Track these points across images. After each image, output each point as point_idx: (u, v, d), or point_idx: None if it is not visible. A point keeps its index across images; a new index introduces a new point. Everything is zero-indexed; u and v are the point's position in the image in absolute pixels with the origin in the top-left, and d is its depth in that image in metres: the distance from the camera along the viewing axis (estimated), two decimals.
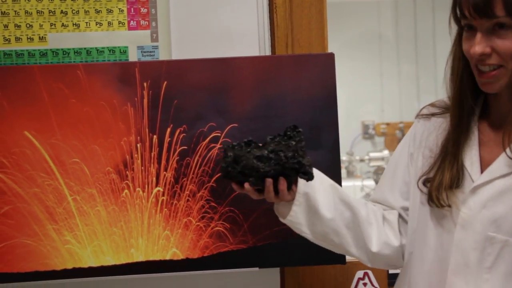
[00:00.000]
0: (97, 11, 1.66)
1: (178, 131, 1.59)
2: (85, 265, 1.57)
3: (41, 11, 1.65)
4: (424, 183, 1.24)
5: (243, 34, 1.67)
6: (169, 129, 1.59)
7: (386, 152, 4.77)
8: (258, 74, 1.60)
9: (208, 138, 1.60)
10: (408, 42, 5.68)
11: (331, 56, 1.62)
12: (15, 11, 1.65)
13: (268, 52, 1.69)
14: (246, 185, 1.23)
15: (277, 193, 1.24)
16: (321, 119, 1.60)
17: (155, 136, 1.59)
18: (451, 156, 1.21)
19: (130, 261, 1.58)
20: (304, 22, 1.72)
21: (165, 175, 1.59)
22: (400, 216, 1.35)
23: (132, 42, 1.66)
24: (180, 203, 1.60)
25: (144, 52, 1.66)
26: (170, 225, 1.59)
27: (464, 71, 1.18)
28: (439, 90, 5.74)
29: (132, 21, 1.66)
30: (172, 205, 1.59)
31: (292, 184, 1.25)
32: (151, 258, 1.59)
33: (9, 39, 1.65)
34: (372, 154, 4.79)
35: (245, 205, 1.59)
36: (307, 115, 1.60)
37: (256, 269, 1.62)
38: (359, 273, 1.75)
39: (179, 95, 1.59)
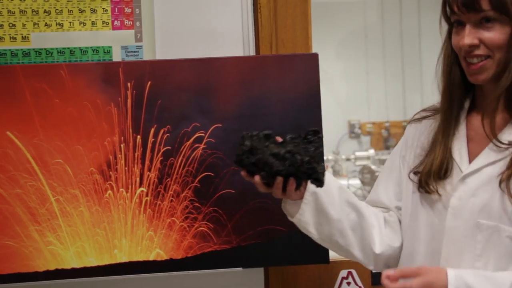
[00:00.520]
0: (81, 11, 1.65)
1: (162, 131, 1.59)
2: (68, 266, 1.57)
3: (24, 11, 1.64)
4: (415, 173, 1.30)
5: (228, 34, 1.67)
6: (153, 129, 1.59)
7: (372, 151, 4.79)
8: (242, 74, 1.60)
9: (192, 138, 1.60)
10: (394, 41, 5.71)
11: (315, 57, 1.62)
12: None
13: (252, 52, 1.69)
14: (257, 177, 1.24)
15: (284, 190, 1.26)
16: (305, 119, 1.61)
17: (138, 137, 1.58)
18: (440, 145, 1.27)
19: (113, 262, 1.58)
20: (289, 22, 1.72)
21: (148, 175, 1.59)
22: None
23: (116, 42, 1.66)
24: (164, 204, 1.59)
25: (128, 52, 1.66)
26: (154, 226, 1.59)
27: (453, 66, 1.26)
28: (424, 89, 5.77)
29: (116, 21, 1.66)
30: (155, 205, 1.59)
31: (301, 185, 1.26)
32: (134, 259, 1.59)
33: None
34: (358, 153, 4.81)
35: (229, 206, 1.59)
36: (291, 115, 1.60)
37: (240, 269, 1.63)
38: (343, 272, 1.75)
39: (163, 95, 1.59)
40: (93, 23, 1.65)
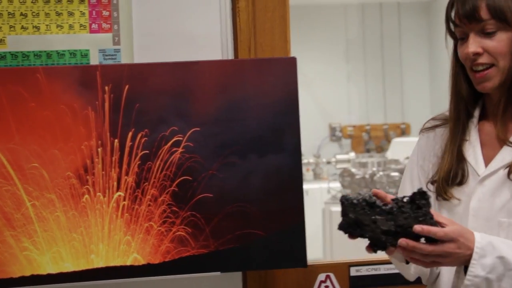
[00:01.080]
0: (58, 14, 1.64)
1: (139, 135, 1.58)
2: (44, 272, 1.55)
3: (0, 13, 1.62)
4: (432, 183, 1.34)
5: (206, 38, 1.67)
6: (130, 133, 1.58)
7: (352, 154, 4.81)
8: (220, 78, 1.60)
9: (170, 142, 1.59)
10: (375, 45, 5.75)
11: (293, 60, 1.63)
12: None
13: (230, 56, 1.69)
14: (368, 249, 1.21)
15: None
16: (283, 123, 1.61)
17: (116, 140, 1.58)
18: (449, 153, 1.32)
19: (90, 267, 1.57)
20: (267, 26, 1.72)
21: (126, 179, 1.58)
22: None
23: (93, 45, 1.65)
24: (142, 208, 1.58)
25: (106, 55, 1.65)
26: (131, 230, 1.58)
27: (458, 77, 1.32)
28: (405, 92, 5.82)
29: (93, 24, 1.65)
30: (133, 210, 1.58)
31: None
32: (111, 264, 1.58)
33: None
34: (339, 156, 4.83)
35: (207, 210, 1.59)
36: (269, 118, 1.61)
37: (218, 273, 1.62)
38: (321, 276, 1.76)
39: (141, 99, 1.58)
40: (70, 26, 1.64)
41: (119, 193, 1.58)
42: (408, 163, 1.46)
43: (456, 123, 1.33)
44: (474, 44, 1.24)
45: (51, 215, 1.55)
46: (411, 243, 1.13)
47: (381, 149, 5.55)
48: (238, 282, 1.72)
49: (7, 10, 1.62)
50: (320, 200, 4.54)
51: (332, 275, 1.76)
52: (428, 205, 1.14)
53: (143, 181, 1.58)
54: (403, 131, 5.74)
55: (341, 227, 1.19)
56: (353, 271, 1.78)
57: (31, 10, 1.63)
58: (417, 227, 1.12)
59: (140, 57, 1.64)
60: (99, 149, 1.57)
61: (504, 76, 1.25)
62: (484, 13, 1.23)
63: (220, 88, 1.59)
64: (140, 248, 1.59)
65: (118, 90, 1.57)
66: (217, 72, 1.59)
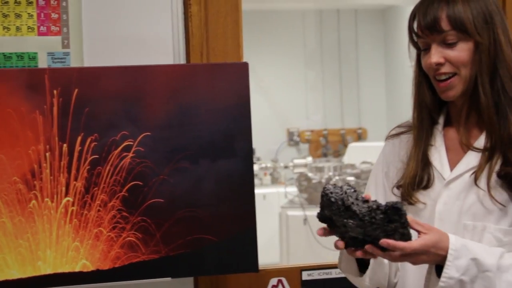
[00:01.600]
0: (5, 15, 1.60)
1: (89, 139, 1.56)
2: None
3: None
4: (397, 187, 1.37)
5: (158, 42, 1.66)
6: (79, 138, 1.56)
7: (309, 159, 4.84)
8: (172, 82, 1.59)
9: (121, 147, 1.57)
10: (332, 51, 5.81)
11: (245, 66, 1.63)
12: None
13: (182, 61, 1.68)
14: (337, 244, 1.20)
15: None
16: (235, 128, 1.61)
17: (65, 145, 1.55)
18: (414, 158, 1.34)
19: (37, 274, 1.54)
20: (220, 31, 1.72)
21: (75, 184, 1.56)
22: None
23: (42, 48, 1.62)
24: (91, 213, 1.56)
25: (55, 58, 1.62)
26: (80, 236, 1.56)
27: (421, 86, 1.36)
28: (361, 99, 5.89)
29: (42, 27, 1.62)
30: (82, 215, 1.56)
31: None
32: (59, 271, 1.55)
33: None
34: (296, 161, 4.85)
35: (158, 215, 1.58)
36: (221, 123, 1.60)
37: (169, 279, 1.61)
38: (273, 281, 1.76)
39: (91, 103, 1.56)
40: (17, 28, 1.61)
41: (67, 198, 1.55)
42: (373, 170, 1.49)
43: (420, 130, 1.36)
44: (436, 55, 1.27)
45: None
46: (380, 253, 1.16)
47: (338, 154, 5.61)
48: (190, 287, 1.71)
49: None
50: (278, 204, 4.56)
51: (284, 280, 1.77)
52: (400, 220, 1.15)
53: (93, 186, 1.56)
54: (360, 136, 5.81)
55: (318, 217, 1.22)
56: (305, 275, 1.79)
57: None
58: (383, 242, 1.14)
59: (90, 61, 1.62)
60: (47, 154, 1.54)
61: (466, 85, 1.29)
62: (445, 24, 1.26)
63: (172, 92, 1.59)
64: (89, 254, 1.56)
65: (67, 94, 1.55)
66: (168, 76, 1.59)
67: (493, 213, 1.27)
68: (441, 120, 1.37)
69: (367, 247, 1.16)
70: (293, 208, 4.18)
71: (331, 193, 1.18)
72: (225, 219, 1.60)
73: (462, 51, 1.27)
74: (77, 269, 1.56)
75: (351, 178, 4.05)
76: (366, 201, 1.18)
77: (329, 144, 5.77)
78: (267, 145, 5.49)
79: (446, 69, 1.28)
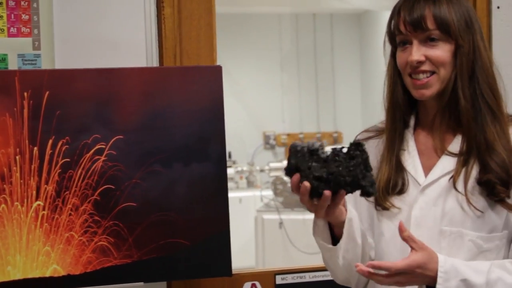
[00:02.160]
0: None
1: (60, 142, 1.54)
2: None
3: None
4: None
5: (130, 44, 1.64)
6: (51, 141, 1.54)
7: (285, 162, 4.85)
8: (145, 85, 1.57)
9: (92, 150, 1.56)
10: (308, 54, 5.83)
11: (218, 69, 1.63)
12: None
13: (155, 63, 1.67)
14: (306, 183, 1.18)
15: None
16: (209, 131, 1.60)
17: (35, 148, 1.53)
18: (387, 162, 1.34)
19: (6, 279, 1.51)
20: (193, 34, 1.72)
21: (46, 188, 1.53)
22: None
23: (12, 50, 1.59)
24: (62, 218, 1.54)
25: (25, 60, 1.60)
26: (51, 241, 1.54)
27: (396, 86, 1.34)
28: (337, 102, 5.92)
29: (12, 28, 1.59)
30: (53, 219, 1.54)
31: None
32: (29, 276, 1.52)
33: None
34: (272, 164, 4.86)
35: (130, 219, 1.56)
36: (195, 127, 1.60)
37: (141, 284, 1.59)
38: (247, 285, 1.76)
39: (62, 106, 1.54)
40: None
41: (38, 202, 1.53)
42: None
43: (393, 133, 1.35)
44: (418, 52, 1.27)
45: None
46: (365, 268, 1.16)
47: None
48: None
49: None
50: (254, 208, 4.55)
51: (258, 284, 1.76)
52: (362, 155, 1.18)
53: (64, 190, 1.54)
54: (336, 140, 5.84)
55: (285, 170, 1.22)
56: (279, 280, 1.79)
57: None
58: (369, 265, 1.15)
59: (62, 63, 1.60)
60: (17, 157, 1.52)
61: (443, 86, 1.29)
62: (430, 23, 1.27)
63: (145, 95, 1.57)
64: (60, 259, 1.54)
65: (38, 96, 1.52)
66: (141, 79, 1.57)
67: (471, 219, 1.27)
68: (411, 123, 1.37)
69: (358, 269, 1.16)
70: (268, 211, 4.18)
71: (297, 145, 1.20)
72: (198, 223, 1.59)
73: (443, 51, 1.28)
74: (47, 274, 1.53)
75: None
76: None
77: None
78: (243, 148, 5.49)
79: (426, 67, 1.28)
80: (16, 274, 1.52)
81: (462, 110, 1.28)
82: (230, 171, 4.95)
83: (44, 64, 1.60)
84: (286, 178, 4.28)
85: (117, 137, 1.56)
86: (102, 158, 1.56)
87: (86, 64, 1.59)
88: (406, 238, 1.19)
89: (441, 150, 1.32)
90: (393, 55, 1.35)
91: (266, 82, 5.70)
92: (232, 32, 5.47)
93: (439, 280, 1.19)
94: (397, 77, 1.34)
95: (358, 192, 1.31)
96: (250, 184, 5.10)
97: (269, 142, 5.78)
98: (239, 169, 5.09)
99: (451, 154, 1.31)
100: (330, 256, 1.32)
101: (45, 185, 1.53)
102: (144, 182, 1.57)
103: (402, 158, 1.34)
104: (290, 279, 1.80)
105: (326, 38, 5.82)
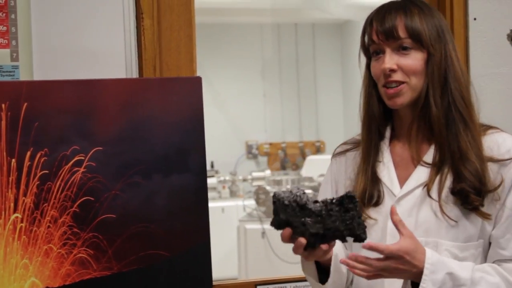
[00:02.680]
0: None
1: (39, 154, 1.53)
2: None
3: None
4: None
5: (110, 55, 1.64)
6: (29, 153, 1.53)
7: (268, 172, 4.85)
8: (124, 96, 1.57)
9: (71, 162, 1.55)
10: (290, 64, 5.86)
11: (198, 80, 1.63)
12: None
13: (135, 75, 1.67)
14: (302, 239, 1.19)
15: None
16: (189, 142, 1.60)
17: (13, 160, 1.52)
18: (363, 174, 1.35)
19: None
20: (173, 45, 1.72)
21: (24, 200, 1.52)
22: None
23: None
24: (41, 230, 1.53)
25: (3, 72, 1.59)
26: (29, 253, 1.52)
27: (371, 98, 1.36)
28: (319, 111, 5.95)
29: None
30: (31, 232, 1.52)
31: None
32: None
33: None
34: (255, 174, 4.87)
35: (110, 231, 1.56)
36: (175, 138, 1.59)
37: None
38: None
39: (41, 117, 1.53)
40: None
41: (16, 214, 1.52)
42: (322, 189, 1.49)
43: (368, 144, 1.36)
44: (390, 61, 1.29)
45: None
46: (359, 257, 1.17)
47: (297, 167, 5.64)
48: None
49: None
50: (236, 217, 4.55)
51: None
52: (355, 208, 1.18)
53: (43, 202, 1.53)
54: (318, 149, 5.86)
55: (273, 224, 1.21)
56: None
57: None
58: (365, 245, 1.16)
59: (40, 74, 1.59)
60: None
61: (416, 95, 1.30)
62: (402, 32, 1.29)
63: (124, 107, 1.57)
64: (38, 272, 1.53)
65: (16, 108, 1.51)
66: (120, 90, 1.57)
67: (446, 229, 1.28)
68: (387, 135, 1.38)
69: (350, 256, 1.17)
70: (251, 221, 4.18)
71: (283, 197, 1.19)
72: (178, 234, 1.59)
73: (415, 59, 1.29)
74: (25, 287, 1.52)
75: (308, 191, 4.08)
76: (316, 201, 1.20)
77: (288, 157, 5.80)
78: (226, 158, 5.49)
79: (397, 77, 1.29)
80: None
81: (433, 119, 1.30)
82: (212, 181, 4.94)
83: (22, 76, 1.59)
84: (269, 188, 4.28)
85: (96, 148, 1.56)
86: (81, 169, 1.55)
87: (65, 76, 1.59)
88: (397, 222, 1.20)
89: (417, 161, 1.33)
90: (368, 67, 1.37)
91: (248, 92, 5.71)
92: (214, 41, 5.48)
93: (425, 271, 1.19)
94: (372, 88, 1.36)
95: None
96: (233, 194, 5.10)
97: (251, 152, 5.79)
98: (222, 178, 5.09)
99: (426, 164, 1.32)
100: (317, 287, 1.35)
101: (23, 197, 1.52)
102: (123, 194, 1.57)
103: (378, 169, 1.35)
104: None
105: (308, 48, 5.86)
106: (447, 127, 1.29)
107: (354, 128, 1.47)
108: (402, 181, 1.34)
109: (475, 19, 1.91)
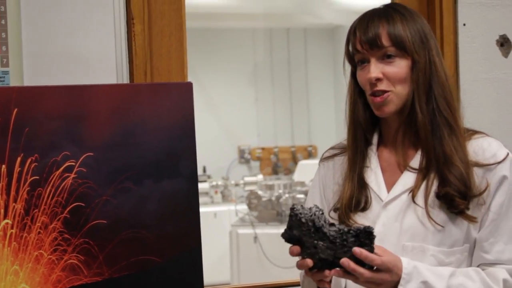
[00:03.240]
0: None
1: (29, 160, 1.53)
2: None
3: None
4: (335, 210, 1.37)
5: (100, 61, 1.64)
6: (19, 158, 1.52)
7: (260, 177, 4.86)
8: (115, 102, 1.57)
9: (62, 168, 1.54)
10: (282, 69, 5.87)
11: (189, 85, 1.63)
12: None
13: (126, 80, 1.67)
14: (309, 261, 1.20)
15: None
16: (180, 147, 1.60)
17: (3, 166, 1.51)
18: (349, 180, 1.36)
19: None
20: (164, 51, 1.72)
21: (14, 206, 1.52)
22: None
23: None
24: (31, 236, 1.52)
25: None
26: (20, 259, 1.52)
27: (356, 105, 1.37)
28: (311, 116, 5.96)
29: None
30: (22, 238, 1.52)
31: None
32: None
33: None
34: (247, 179, 4.87)
35: (101, 236, 1.55)
36: (165, 143, 1.59)
37: None
38: None
39: (31, 123, 1.53)
40: None
41: (6, 220, 1.51)
42: (310, 193, 1.49)
43: (354, 152, 1.37)
44: (376, 70, 1.30)
45: None
46: (352, 265, 1.17)
47: (289, 171, 5.65)
48: None
49: None
50: (229, 222, 4.55)
51: None
52: (371, 244, 1.17)
53: (33, 208, 1.53)
54: (310, 154, 5.87)
55: (284, 236, 1.21)
56: None
57: None
58: (356, 249, 1.16)
59: (31, 80, 1.60)
60: None
61: (402, 102, 1.31)
62: (385, 40, 1.30)
63: (115, 112, 1.57)
64: (29, 278, 1.52)
65: (6, 113, 1.51)
66: (111, 96, 1.57)
67: (432, 234, 1.29)
68: (374, 141, 1.39)
69: (343, 260, 1.17)
70: (243, 226, 4.18)
71: (301, 213, 1.18)
72: (170, 239, 1.59)
73: (400, 67, 1.30)
74: None
75: (300, 196, 4.09)
76: (332, 224, 1.19)
77: (280, 162, 5.80)
78: (218, 162, 5.49)
79: (383, 86, 1.31)
80: None
81: (419, 125, 1.31)
82: (205, 186, 4.94)
83: (13, 81, 1.59)
84: (261, 192, 4.28)
85: (87, 154, 1.55)
86: (72, 175, 1.55)
87: (55, 81, 1.59)
88: (362, 255, 1.19)
89: (403, 166, 1.34)
90: (353, 75, 1.38)
91: (241, 96, 5.72)
92: (207, 46, 5.49)
93: (401, 281, 1.20)
94: (357, 96, 1.37)
95: (325, 211, 1.32)
96: (225, 199, 5.10)
97: (244, 156, 5.79)
98: (214, 183, 5.09)
99: (413, 169, 1.33)
100: None
101: (14, 203, 1.52)
102: (114, 199, 1.56)
103: (365, 175, 1.36)
104: None
105: (300, 53, 5.87)
106: (432, 132, 1.30)
107: (346, 133, 1.48)
108: (389, 186, 1.35)
109: (464, 24, 1.92)
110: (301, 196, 4.10)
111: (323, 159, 1.47)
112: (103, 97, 1.56)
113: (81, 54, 1.63)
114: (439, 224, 1.28)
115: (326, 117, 5.88)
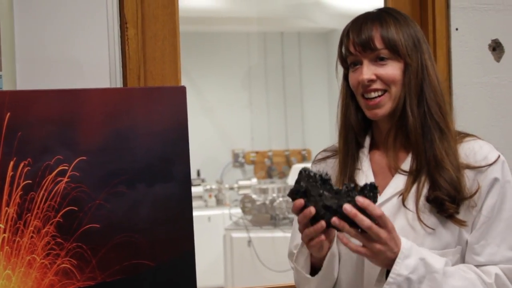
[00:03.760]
0: None
1: (22, 164, 1.52)
2: None
3: None
4: None
5: (94, 65, 1.64)
6: (12, 163, 1.52)
7: (254, 180, 4.86)
8: (108, 106, 1.57)
9: (55, 172, 1.54)
10: (276, 73, 5.88)
11: (182, 89, 1.63)
12: None
13: (119, 84, 1.67)
14: (310, 209, 1.19)
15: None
16: (173, 152, 1.60)
17: None
18: (340, 183, 1.36)
19: None
20: (157, 55, 1.72)
21: (7, 210, 1.51)
22: None
23: None
24: (24, 240, 1.52)
25: None
26: (12, 264, 1.51)
27: (348, 108, 1.37)
28: (305, 120, 5.97)
29: None
30: (14, 242, 1.51)
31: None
32: None
33: None
34: (241, 182, 4.87)
35: (94, 240, 1.55)
36: (159, 147, 1.60)
37: None
38: None
39: (24, 127, 1.52)
40: None
41: None
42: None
43: (345, 155, 1.38)
44: (368, 72, 1.31)
45: None
46: (354, 210, 1.16)
47: (283, 175, 5.65)
48: None
49: None
50: (223, 226, 4.55)
51: None
52: (374, 197, 1.19)
53: (26, 212, 1.52)
54: (304, 157, 5.88)
55: (290, 193, 1.22)
56: None
57: None
58: (359, 198, 1.16)
59: (24, 84, 1.59)
60: None
61: (395, 104, 1.32)
62: (378, 42, 1.31)
63: (108, 116, 1.57)
64: (21, 283, 1.52)
65: None
66: (105, 100, 1.57)
67: (423, 237, 1.29)
68: (366, 144, 1.40)
69: (345, 206, 1.16)
70: (237, 230, 4.18)
71: (310, 170, 1.21)
72: (163, 243, 1.59)
73: (393, 69, 1.31)
74: None
75: None
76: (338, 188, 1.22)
77: (274, 165, 5.81)
78: (212, 166, 5.49)
79: (377, 85, 1.31)
80: None
81: (410, 128, 1.31)
82: (199, 189, 4.94)
83: (5, 85, 1.59)
84: (255, 196, 4.28)
85: (80, 158, 1.55)
86: (65, 179, 1.54)
87: (49, 85, 1.59)
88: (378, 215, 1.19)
89: (395, 169, 1.35)
90: (345, 77, 1.39)
91: (235, 100, 5.73)
92: (201, 50, 5.49)
93: (399, 255, 1.20)
94: (349, 99, 1.38)
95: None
96: (219, 202, 5.10)
97: (238, 160, 5.79)
98: (208, 187, 5.09)
99: (404, 172, 1.34)
100: (303, 284, 1.34)
101: (6, 208, 1.51)
102: (107, 203, 1.56)
103: (357, 178, 1.37)
104: None
105: (294, 56, 5.89)
106: (423, 135, 1.31)
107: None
108: (381, 189, 1.35)
109: (457, 29, 1.93)
110: None
111: (316, 161, 1.48)
112: (96, 101, 1.56)
113: (74, 58, 1.63)
114: (429, 227, 1.29)
115: (320, 121, 5.89)
